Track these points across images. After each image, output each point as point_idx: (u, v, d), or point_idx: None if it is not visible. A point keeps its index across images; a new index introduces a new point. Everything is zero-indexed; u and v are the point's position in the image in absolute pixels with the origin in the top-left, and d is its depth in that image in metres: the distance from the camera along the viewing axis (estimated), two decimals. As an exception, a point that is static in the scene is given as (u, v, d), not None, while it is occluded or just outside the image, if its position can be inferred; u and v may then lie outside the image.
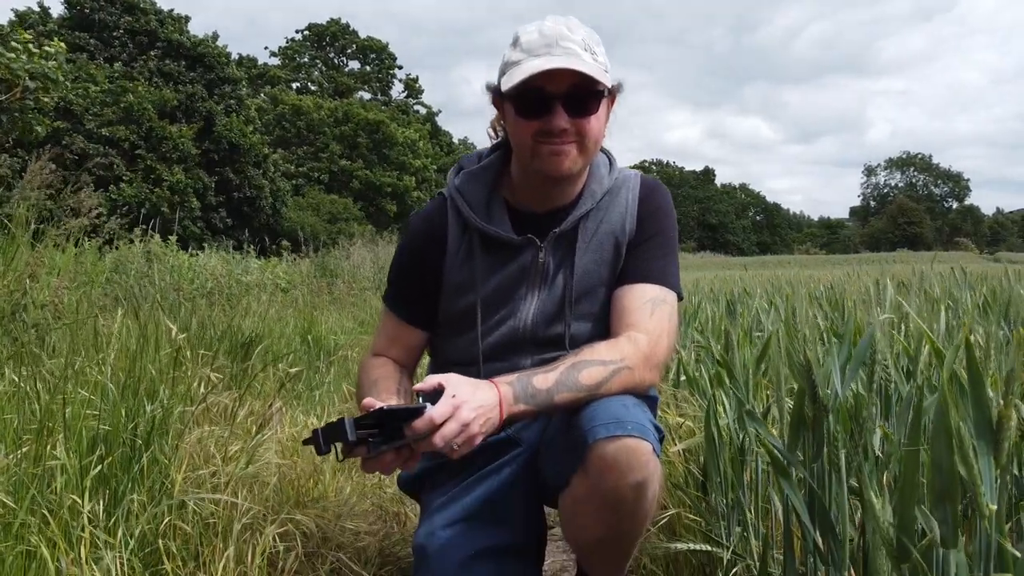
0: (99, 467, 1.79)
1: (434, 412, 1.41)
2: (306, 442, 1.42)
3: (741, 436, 1.79)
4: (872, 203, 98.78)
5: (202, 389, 2.28)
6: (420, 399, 1.44)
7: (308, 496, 2.35)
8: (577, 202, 1.79)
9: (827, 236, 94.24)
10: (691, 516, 1.91)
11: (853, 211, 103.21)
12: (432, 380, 1.50)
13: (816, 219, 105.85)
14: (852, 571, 1.21)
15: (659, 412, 2.88)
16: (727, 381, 1.89)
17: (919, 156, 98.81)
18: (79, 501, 1.71)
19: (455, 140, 58.68)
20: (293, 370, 3.04)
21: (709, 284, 7.40)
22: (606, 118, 1.73)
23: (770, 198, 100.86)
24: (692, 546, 1.74)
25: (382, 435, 1.42)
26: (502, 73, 1.69)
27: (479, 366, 1.77)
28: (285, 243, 14.65)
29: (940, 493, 0.82)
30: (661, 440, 1.66)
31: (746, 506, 1.76)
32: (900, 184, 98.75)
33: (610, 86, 1.68)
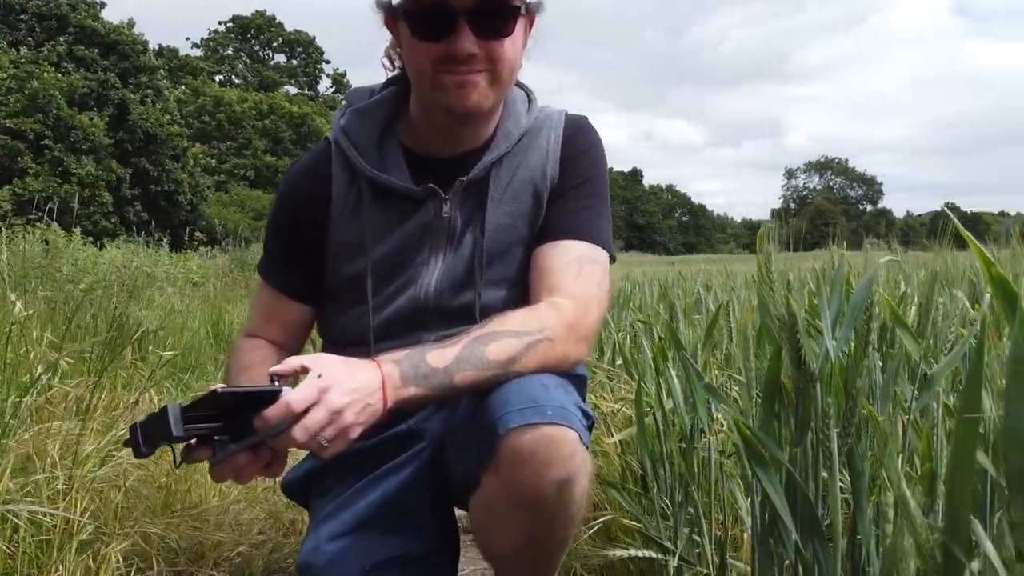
0: None
1: (292, 397, 1.11)
2: (125, 443, 1.10)
3: (690, 420, 1.51)
4: (792, 205, 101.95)
5: (48, 378, 1.88)
6: (276, 381, 1.13)
7: (182, 503, 1.98)
8: (489, 145, 1.48)
9: (749, 237, 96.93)
10: (629, 519, 1.62)
11: (774, 212, 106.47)
12: (293, 362, 1.21)
13: (739, 220, 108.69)
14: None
15: (591, 397, 2.64)
16: (674, 356, 1.60)
17: (836, 160, 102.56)
18: None
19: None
20: (167, 354, 2.64)
21: (640, 277, 7.28)
22: (523, 42, 1.43)
23: (696, 199, 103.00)
24: (633, 552, 1.45)
25: (230, 430, 1.11)
26: None
27: (370, 345, 1.46)
28: (199, 235, 14.01)
29: (1020, 481, 0.54)
30: (590, 427, 1.38)
31: (698, 504, 1.47)
32: (818, 187, 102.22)
33: (527, 1, 1.39)
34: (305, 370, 1.19)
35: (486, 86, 1.38)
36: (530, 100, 1.57)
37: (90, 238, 10.55)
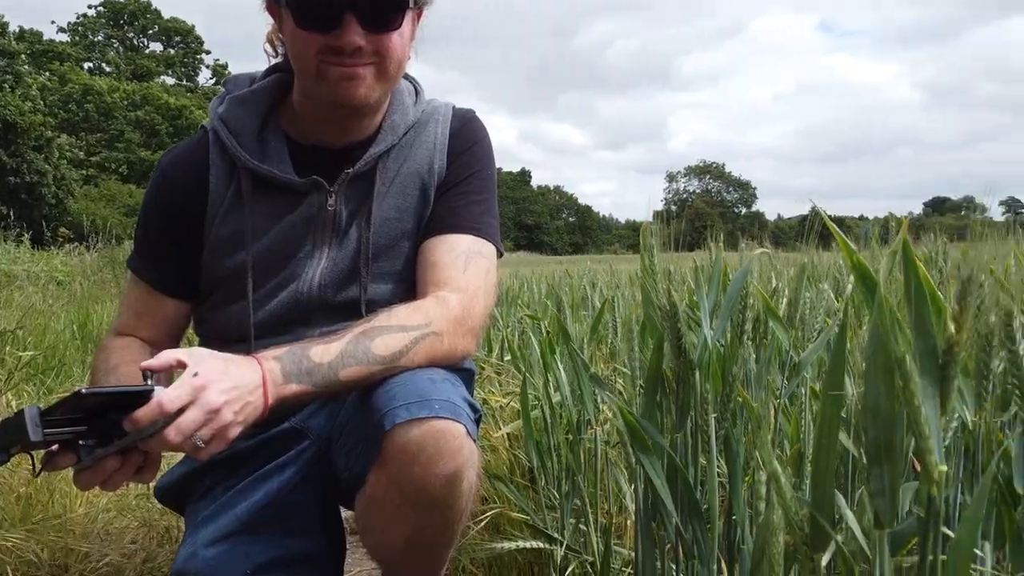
0: None
1: (165, 396, 1.06)
2: None
3: (577, 412, 1.53)
4: (673, 207, 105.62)
5: None
6: (148, 380, 1.07)
7: (44, 513, 1.85)
8: (375, 137, 1.46)
9: (633, 238, 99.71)
10: (516, 511, 1.63)
11: (656, 214, 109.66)
12: (168, 356, 1.14)
13: (624, 221, 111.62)
14: (722, 564, 0.98)
15: (480, 391, 2.63)
16: (562, 349, 1.62)
17: (714, 165, 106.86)
18: None
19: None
20: (26, 354, 2.45)
21: (529, 276, 7.36)
22: (411, 36, 1.41)
23: (582, 201, 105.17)
24: (521, 544, 1.45)
25: (96, 434, 1.04)
26: None
27: (250, 343, 1.41)
28: (63, 231, 13.15)
29: (876, 451, 0.58)
30: (478, 421, 1.38)
31: (584, 494, 1.50)
32: (697, 190, 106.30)
33: None
34: (181, 364, 1.14)
35: (372, 79, 1.35)
36: (417, 92, 1.55)
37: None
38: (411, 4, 1.36)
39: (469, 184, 1.49)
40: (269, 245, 1.44)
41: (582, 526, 1.51)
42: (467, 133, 1.52)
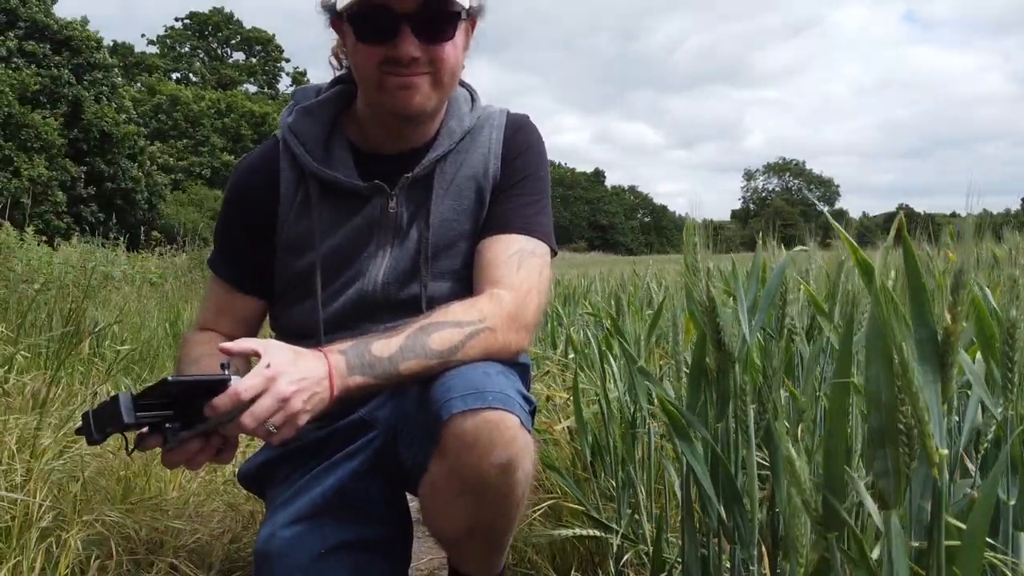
0: None
1: (240, 386, 1.14)
2: (78, 431, 1.12)
3: (632, 407, 1.59)
4: (752, 206, 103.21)
5: (4, 372, 1.90)
6: (226, 369, 1.16)
7: (141, 495, 2.01)
8: (433, 143, 1.53)
9: (709, 237, 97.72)
10: (572, 502, 1.69)
11: (734, 213, 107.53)
12: (245, 344, 1.24)
13: (700, 221, 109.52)
14: (763, 548, 1.03)
15: (542, 386, 2.70)
16: (616, 348, 1.68)
17: (794, 162, 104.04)
18: None
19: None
20: (124, 348, 2.64)
21: (598, 274, 7.37)
22: (465, 45, 1.48)
23: (657, 200, 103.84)
24: (579, 531, 1.52)
25: (180, 418, 1.14)
26: None
27: (320, 338, 1.49)
28: (156, 235, 13.78)
29: (879, 436, 0.63)
30: (533, 412, 1.44)
31: (638, 485, 1.56)
32: (777, 188, 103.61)
33: (468, 6, 1.43)
34: (256, 354, 1.22)
35: (428, 88, 1.43)
36: (473, 99, 1.61)
37: (43, 238, 10.32)
38: (463, 16, 1.43)
39: (523, 186, 1.55)
40: (336, 246, 1.53)
41: (637, 516, 1.57)
42: (520, 138, 1.58)
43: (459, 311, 1.38)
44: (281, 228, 1.55)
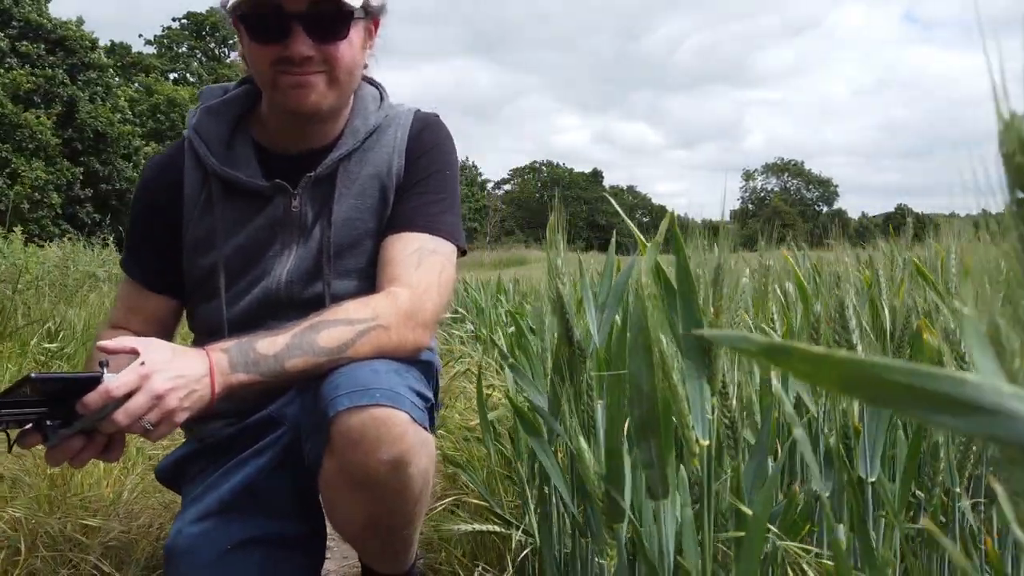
0: None
1: (112, 383, 1.17)
2: None
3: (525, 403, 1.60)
4: (750, 206, 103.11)
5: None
6: (104, 368, 1.18)
7: (74, 493, 2.02)
8: (337, 142, 1.56)
9: (708, 238, 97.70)
10: (478, 498, 1.71)
11: (733, 213, 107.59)
12: (124, 342, 1.26)
13: (699, 221, 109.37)
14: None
15: (469, 384, 2.71)
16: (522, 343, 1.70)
17: (792, 162, 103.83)
18: None
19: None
20: (52, 345, 2.65)
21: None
22: (363, 43, 1.50)
23: (656, 201, 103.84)
24: (478, 527, 1.54)
25: (58, 415, 1.16)
26: None
27: (224, 336, 1.51)
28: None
29: (641, 426, 0.65)
30: (432, 410, 1.45)
31: (536, 480, 1.57)
32: (775, 188, 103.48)
33: (363, 4, 1.45)
34: (135, 352, 1.24)
35: (324, 87, 1.45)
36: (382, 97, 1.63)
37: (35, 241, 10.32)
38: (358, 15, 1.44)
39: (426, 184, 1.56)
40: (239, 246, 1.55)
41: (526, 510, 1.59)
42: (426, 136, 1.59)
43: (352, 309, 1.40)
44: (186, 227, 1.57)
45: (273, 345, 1.32)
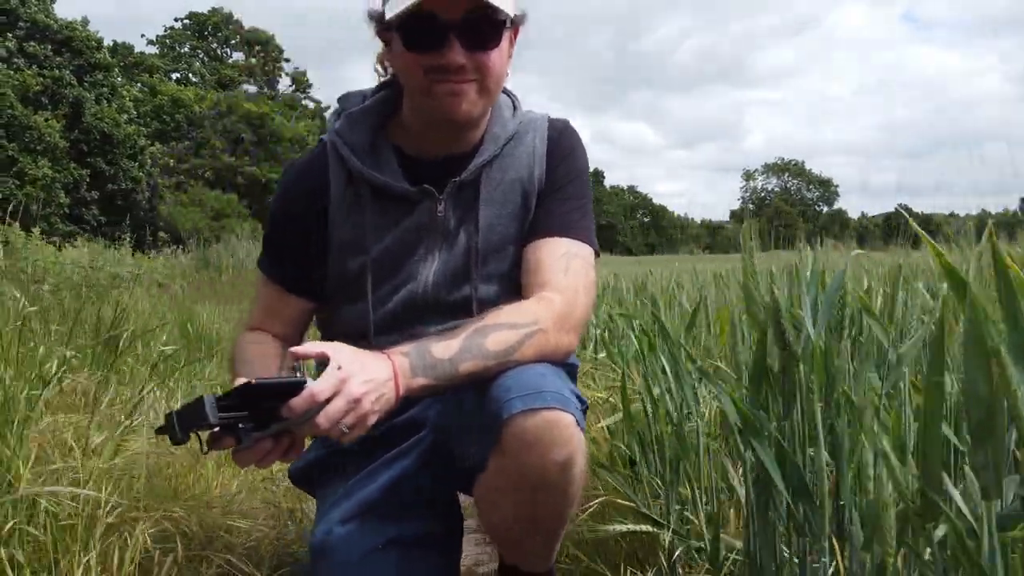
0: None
1: (316, 388, 1.18)
2: (160, 430, 1.17)
3: (679, 403, 1.63)
4: (751, 206, 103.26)
5: (54, 370, 1.94)
6: (298, 372, 1.21)
7: (187, 493, 2.05)
8: (479, 148, 1.57)
9: (709, 238, 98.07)
10: (622, 500, 1.73)
11: (733, 214, 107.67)
12: (314, 347, 1.28)
13: (699, 221, 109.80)
14: (833, 541, 1.07)
15: (582, 388, 2.74)
16: (660, 345, 1.73)
17: (793, 162, 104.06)
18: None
19: (345, 137, 57.30)
20: (168, 349, 2.68)
21: (607, 276, 7.39)
22: (509, 53, 1.52)
23: (656, 201, 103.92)
24: (632, 527, 1.56)
25: (254, 419, 1.18)
26: None
27: (371, 339, 1.53)
28: (163, 235, 13.84)
29: (980, 433, 0.67)
30: (585, 411, 1.48)
31: (691, 481, 1.60)
32: (776, 188, 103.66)
33: (512, 15, 1.47)
34: (324, 356, 1.26)
35: (475, 95, 1.46)
36: (515, 105, 1.65)
37: (51, 239, 10.38)
38: (508, 24, 1.46)
39: (567, 190, 1.58)
40: (385, 249, 1.56)
41: (687, 513, 1.61)
42: (564, 142, 1.61)
43: (512, 313, 1.42)
44: (331, 231, 1.59)
45: (447, 349, 1.34)
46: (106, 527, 1.59)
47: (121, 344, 2.31)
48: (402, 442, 1.59)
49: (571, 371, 1.58)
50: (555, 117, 1.68)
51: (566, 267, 1.51)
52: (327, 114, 1.71)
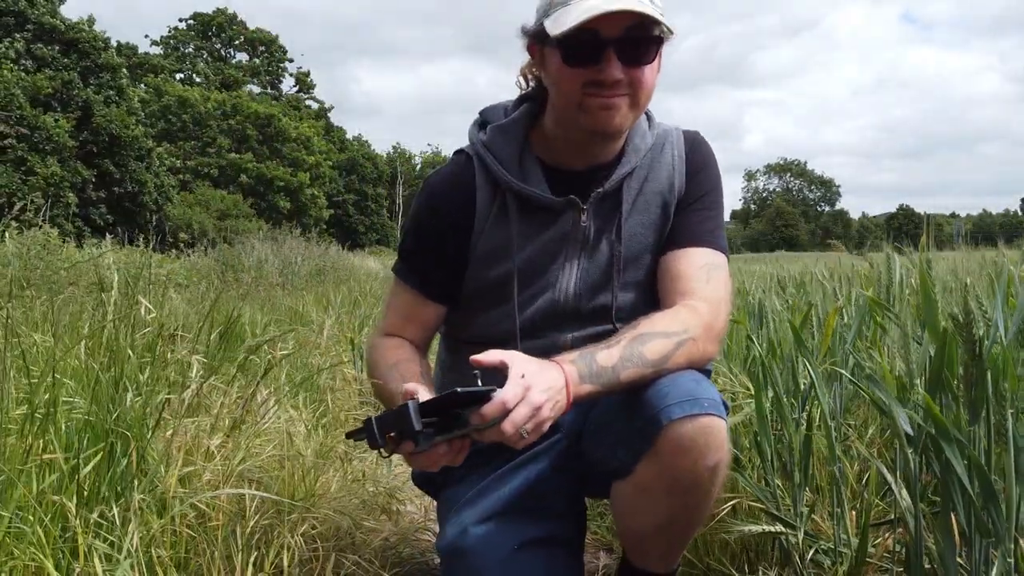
0: (88, 465, 1.49)
1: (506, 396, 1.22)
2: (352, 435, 1.23)
3: (808, 407, 1.67)
4: (752, 206, 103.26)
5: (187, 376, 1.97)
6: (479, 380, 1.24)
7: (310, 494, 2.08)
8: (619, 159, 1.61)
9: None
10: (752, 500, 1.78)
11: (735, 214, 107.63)
12: (495, 356, 1.31)
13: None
14: (1020, 543, 1.12)
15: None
16: (790, 351, 1.77)
17: (795, 162, 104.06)
18: (68, 505, 1.42)
19: (349, 136, 57.57)
20: (281, 352, 2.72)
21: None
22: (658, 69, 1.55)
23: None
24: (767, 528, 1.61)
25: (435, 424, 1.23)
26: (544, 14, 1.49)
27: (516, 343, 1.57)
28: (183, 235, 13.85)
29: None
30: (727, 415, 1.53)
31: (840, 484, 1.63)
32: (778, 188, 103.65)
33: (665, 31, 1.50)
34: (504, 365, 1.29)
35: (626, 109, 1.49)
36: (649, 117, 1.70)
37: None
38: (662, 41, 1.50)
39: (704, 201, 1.63)
40: (529, 257, 1.60)
41: (815, 516, 1.66)
42: (699, 153, 1.66)
43: (664, 322, 1.45)
44: (476, 239, 1.62)
45: (610, 357, 1.38)
46: (249, 530, 1.63)
47: (248, 348, 2.35)
48: (535, 444, 1.61)
49: (708, 377, 1.62)
50: (687, 129, 1.73)
51: (707, 277, 1.56)
52: (468, 126, 1.76)
